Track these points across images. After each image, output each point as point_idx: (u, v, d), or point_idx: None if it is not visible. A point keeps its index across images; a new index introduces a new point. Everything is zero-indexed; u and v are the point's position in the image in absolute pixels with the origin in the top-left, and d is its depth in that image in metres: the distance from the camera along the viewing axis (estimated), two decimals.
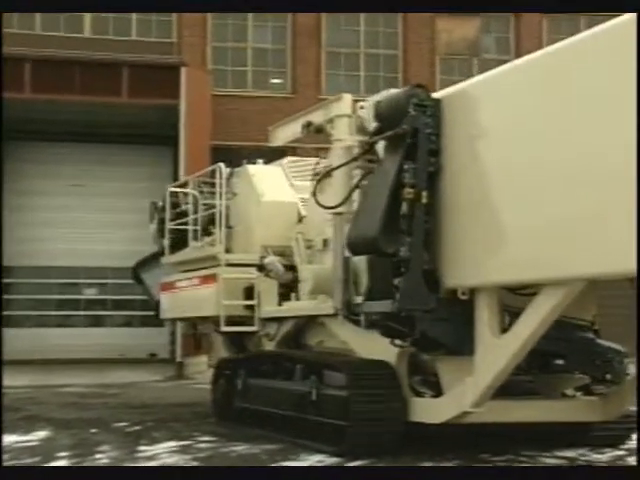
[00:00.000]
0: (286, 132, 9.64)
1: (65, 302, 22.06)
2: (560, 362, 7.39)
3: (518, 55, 23.59)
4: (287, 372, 8.96)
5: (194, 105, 19.12)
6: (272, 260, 9.58)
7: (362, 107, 8.21)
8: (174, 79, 18.89)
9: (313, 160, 10.94)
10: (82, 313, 22.13)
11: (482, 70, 26.80)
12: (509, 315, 6.98)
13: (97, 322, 22.10)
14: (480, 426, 7.43)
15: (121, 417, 10.63)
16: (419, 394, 7.77)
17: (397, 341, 7.46)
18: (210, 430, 9.33)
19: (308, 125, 8.86)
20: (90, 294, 22.07)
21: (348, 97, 8.37)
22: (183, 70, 19.10)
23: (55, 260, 21.71)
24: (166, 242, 11.43)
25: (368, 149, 7.80)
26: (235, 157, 11.29)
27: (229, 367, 10.20)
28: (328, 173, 8.22)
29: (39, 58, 18.54)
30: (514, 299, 7.00)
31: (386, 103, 7.59)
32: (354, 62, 23.69)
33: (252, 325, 9.83)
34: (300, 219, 10.03)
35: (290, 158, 11.00)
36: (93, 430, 9.53)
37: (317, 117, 8.82)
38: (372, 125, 7.91)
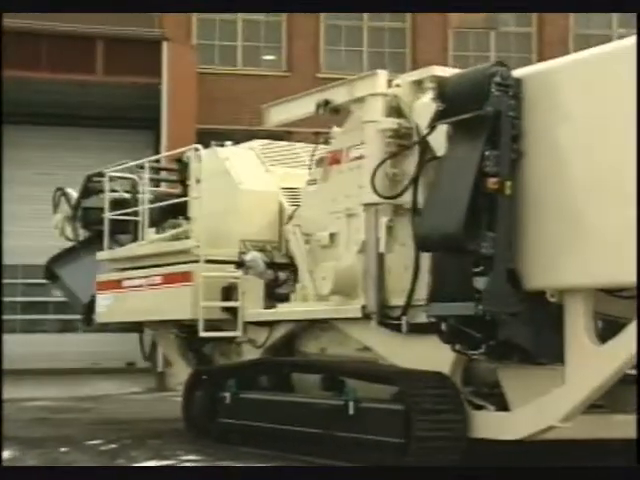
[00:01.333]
0: (283, 112, 9.55)
1: (32, 305, 21.98)
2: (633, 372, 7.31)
3: (540, 28, 23.58)
4: (302, 383, 8.92)
5: (177, 84, 19.05)
6: (255, 257, 9.51)
7: (398, 85, 8.19)
8: (155, 55, 18.83)
9: (287, 144, 10.89)
10: (51, 317, 22.05)
11: (500, 45, 26.56)
12: (601, 321, 7.00)
13: (68, 327, 21.99)
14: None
15: (95, 434, 10.56)
16: (476, 407, 7.73)
17: (458, 347, 7.38)
18: (195, 449, 9.26)
19: (325, 104, 8.76)
20: (60, 296, 21.97)
21: (383, 74, 8.32)
22: (165, 45, 19.05)
23: (20, 258, 21.60)
24: (106, 234, 11.16)
25: (428, 133, 7.71)
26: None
27: (210, 378, 10.07)
28: (385, 161, 8.11)
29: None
30: (607, 303, 6.99)
31: (457, 82, 7.51)
32: (356, 36, 23.62)
33: (233, 330, 9.71)
34: (282, 211, 9.97)
35: (261, 141, 10.86)
36: (63, 449, 9.48)
37: (338, 95, 8.71)
38: (421, 105, 7.92)
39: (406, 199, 8.04)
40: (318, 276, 8.81)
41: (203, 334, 9.63)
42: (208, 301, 9.61)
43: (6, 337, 21.05)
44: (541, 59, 22.88)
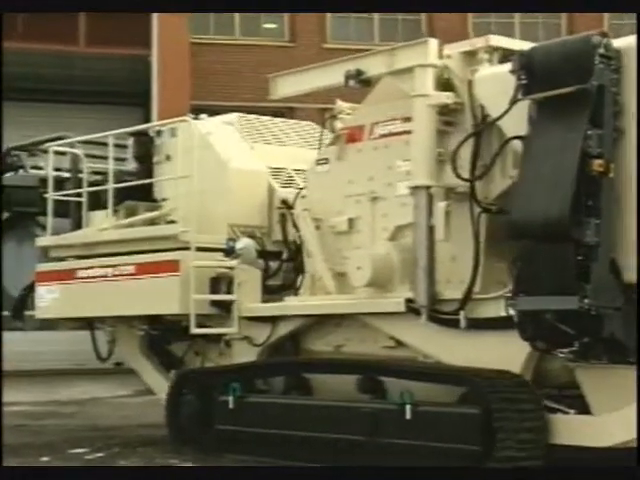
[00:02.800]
0: (295, 83, 9.42)
1: (10, 300, 21.96)
2: None
3: None
4: (323, 385, 8.84)
5: (169, 56, 19.05)
6: (247, 244, 9.42)
7: (449, 56, 8.20)
8: (144, 24, 18.80)
9: (266, 119, 10.71)
10: (31, 313, 22.01)
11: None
12: None
13: (50, 324, 21.96)
14: None
15: (79, 442, 10.55)
16: (548, 410, 7.74)
17: (540, 344, 7.40)
18: (189, 458, 9.21)
19: (357, 74, 8.66)
20: None
21: (435, 42, 8.30)
22: (155, 13, 18.98)
23: None
24: (49, 218, 10.77)
25: (508, 110, 7.61)
26: None
27: (203, 381, 9.86)
28: (466, 140, 8.04)
29: None
30: None
31: (548, 53, 7.45)
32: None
33: (222, 326, 9.54)
34: (271, 193, 9.91)
35: (239, 115, 10.68)
36: (44, 458, 9.45)
37: (373, 65, 8.63)
38: (484, 78, 7.92)
39: (456, 181, 8.05)
40: (351, 266, 8.67)
41: (195, 331, 9.42)
42: (199, 293, 9.39)
43: None
44: (571, 22, 22.89)
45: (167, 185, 10.26)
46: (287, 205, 9.83)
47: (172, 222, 10.02)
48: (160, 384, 10.53)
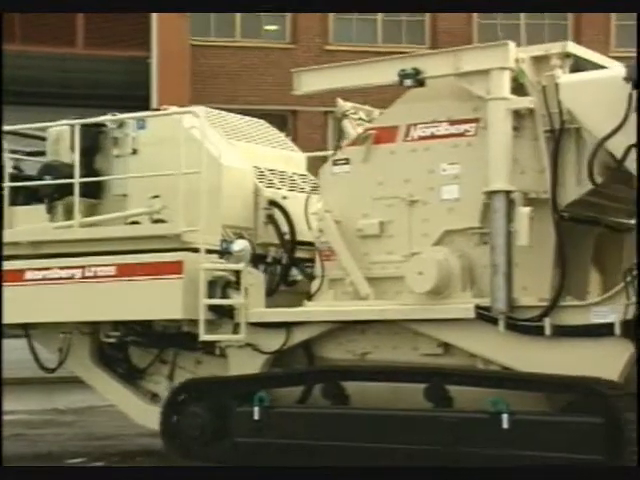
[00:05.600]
0: (323, 79, 9.28)
1: None
2: None
3: None
4: (363, 394, 8.73)
5: (168, 58, 19.06)
6: (245, 246, 9.27)
7: (523, 60, 8.26)
8: (143, 26, 18.81)
9: (229, 115, 10.46)
10: None
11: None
12: None
13: None
14: None
15: (77, 451, 10.55)
16: None
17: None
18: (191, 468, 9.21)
19: (416, 74, 8.62)
20: None
21: (513, 45, 8.33)
22: (154, 14, 18.99)
23: None
24: None
25: (625, 120, 7.69)
26: None
27: (215, 392, 9.51)
28: (600, 143, 8.03)
29: None
30: None
31: None
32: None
33: (228, 331, 9.28)
34: (257, 193, 9.79)
35: (203, 108, 10.17)
36: None
37: (435, 65, 8.62)
38: (573, 84, 7.99)
39: (533, 187, 8.15)
40: (410, 271, 8.53)
41: (206, 337, 9.13)
42: (200, 298, 9.05)
43: None
44: (578, 24, 22.86)
45: (135, 181, 9.81)
46: (277, 206, 9.73)
47: (160, 221, 9.63)
48: (121, 395, 10.20)
